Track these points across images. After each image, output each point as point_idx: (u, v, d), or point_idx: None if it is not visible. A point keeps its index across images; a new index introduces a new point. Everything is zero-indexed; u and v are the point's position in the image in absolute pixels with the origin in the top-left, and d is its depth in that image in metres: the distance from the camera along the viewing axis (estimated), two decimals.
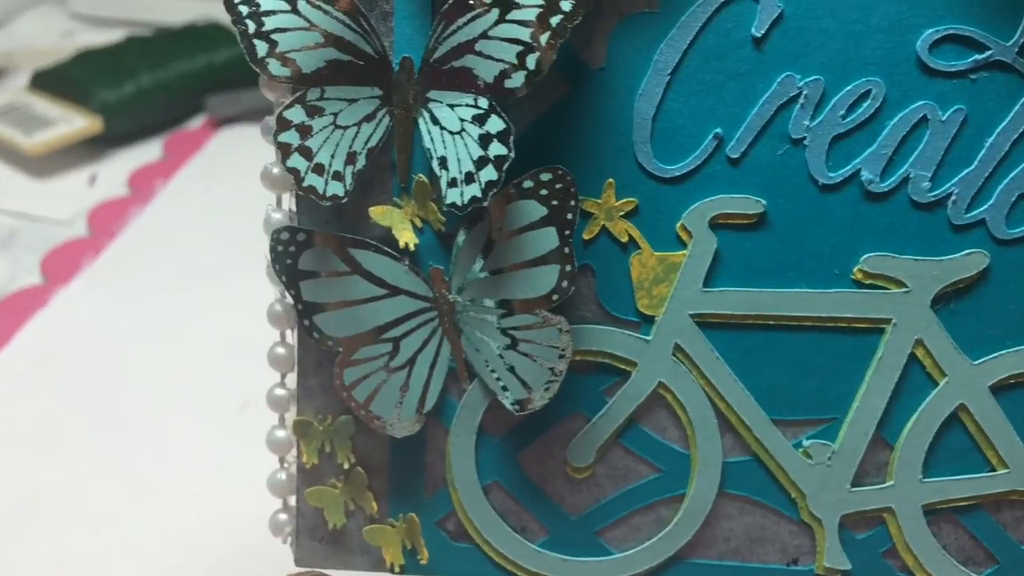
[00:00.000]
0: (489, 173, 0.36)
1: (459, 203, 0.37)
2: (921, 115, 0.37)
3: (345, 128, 0.38)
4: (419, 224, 0.39)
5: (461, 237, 0.39)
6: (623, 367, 0.40)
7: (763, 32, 0.37)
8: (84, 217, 0.83)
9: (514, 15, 0.36)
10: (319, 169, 0.37)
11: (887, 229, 0.38)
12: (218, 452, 0.62)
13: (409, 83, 0.38)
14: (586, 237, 0.39)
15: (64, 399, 0.66)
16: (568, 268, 0.38)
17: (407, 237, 0.39)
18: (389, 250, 0.39)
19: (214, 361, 0.69)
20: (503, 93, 0.37)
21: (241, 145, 0.93)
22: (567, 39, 0.36)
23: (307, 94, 0.37)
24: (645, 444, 0.40)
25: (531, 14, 0.36)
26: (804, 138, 0.38)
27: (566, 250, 0.38)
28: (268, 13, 0.37)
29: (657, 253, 0.39)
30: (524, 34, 0.36)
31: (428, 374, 0.40)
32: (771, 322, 0.39)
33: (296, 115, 0.37)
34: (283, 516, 0.42)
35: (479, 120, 0.37)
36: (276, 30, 0.37)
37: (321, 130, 0.37)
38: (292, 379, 0.42)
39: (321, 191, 0.37)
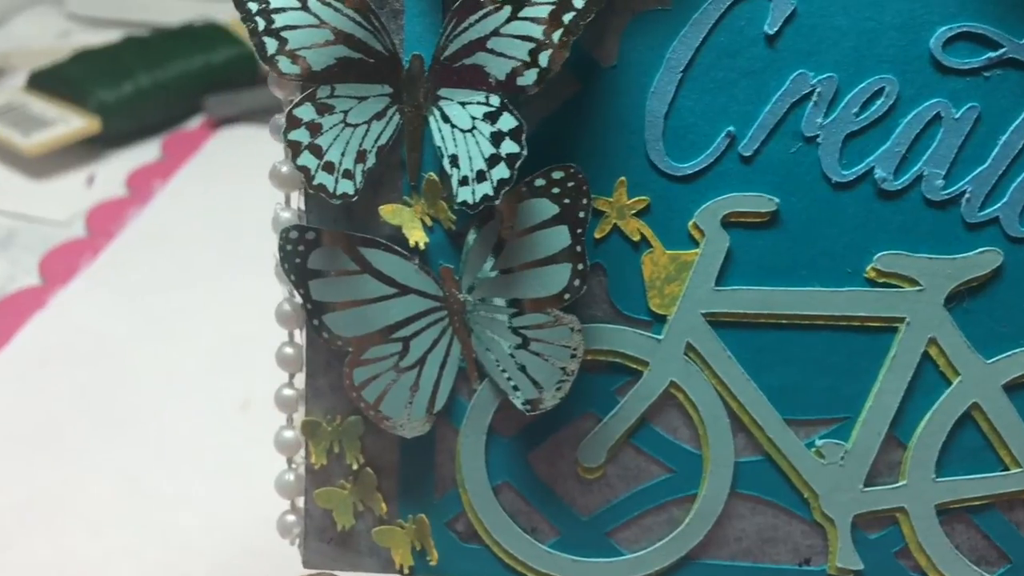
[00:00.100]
0: (501, 171, 0.36)
1: (470, 201, 0.37)
2: (935, 113, 0.37)
3: (355, 126, 0.37)
4: (429, 223, 0.39)
5: (471, 236, 0.38)
6: (634, 366, 0.39)
7: (776, 29, 0.37)
8: (82, 218, 0.83)
9: (526, 12, 0.36)
10: (329, 167, 0.37)
11: (900, 227, 0.38)
12: (218, 452, 0.62)
13: (419, 81, 0.37)
14: (597, 236, 0.39)
15: (63, 400, 0.65)
16: (580, 267, 0.37)
17: (417, 236, 0.38)
18: (399, 249, 0.38)
19: (214, 361, 0.69)
20: (514, 91, 0.36)
21: (240, 145, 0.93)
22: (579, 36, 0.36)
23: (317, 92, 0.37)
24: (657, 444, 0.40)
25: (543, 11, 0.36)
26: (817, 136, 0.37)
27: (578, 249, 0.37)
28: (278, 10, 0.36)
29: (669, 252, 0.39)
30: (536, 31, 0.36)
31: (438, 374, 0.39)
32: (784, 321, 0.39)
33: (306, 113, 0.37)
34: (291, 517, 0.42)
35: (491, 118, 0.36)
36: (286, 27, 0.37)
37: (331, 128, 0.37)
38: (300, 379, 0.41)
39: (331, 189, 0.37)
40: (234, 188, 0.86)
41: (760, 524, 0.40)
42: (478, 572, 0.41)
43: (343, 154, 0.37)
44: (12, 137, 0.86)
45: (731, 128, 0.38)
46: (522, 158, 0.36)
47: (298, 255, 0.38)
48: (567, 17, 0.35)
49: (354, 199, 0.37)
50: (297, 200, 0.40)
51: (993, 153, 0.37)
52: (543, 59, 0.36)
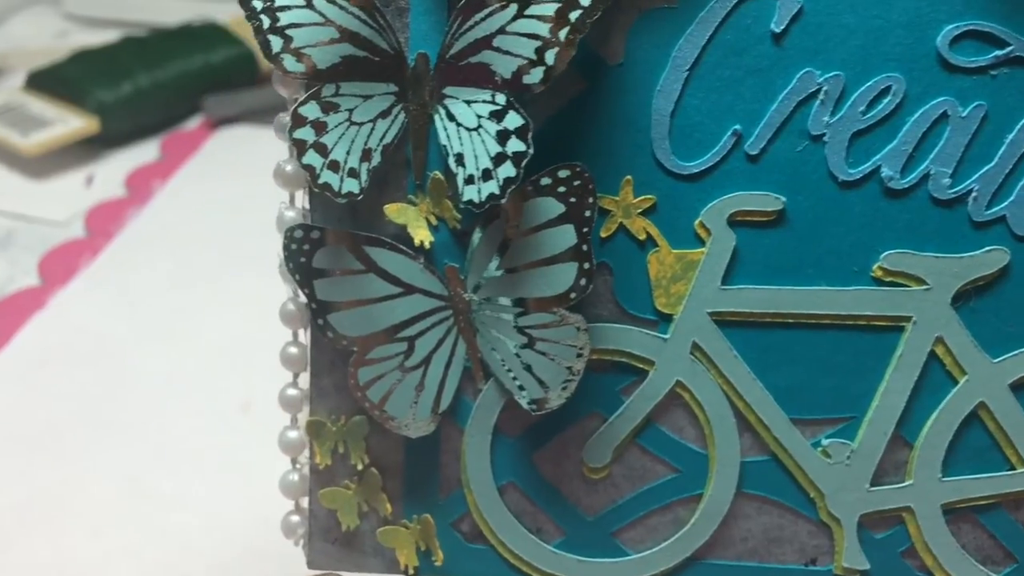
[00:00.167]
0: (507, 170, 0.36)
1: (476, 200, 0.37)
2: (941, 111, 0.37)
3: (360, 124, 0.37)
4: (434, 222, 0.38)
5: (477, 235, 0.38)
6: (640, 366, 0.39)
7: (782, 28, 0.37)
8: (81, 218, 0.83)
9: (532, 10, 0.36)
10: (334, 166, 0.37)
11: (907, 226, 0.38)
12: (219, 453, 0.61)
13: (425, 79, 0.37)
14: (603, 235, 0.38)
15: (63, 401, 0.65)
16: (586, 266, 0.37)
17: (422, 235, 0.38)
18: (404, 248, 0.38)
19: (214, 362, 0.68)
20: (520, 89, 0.36)
21: (239, 145, 0.93)
22: (585, 35, 0.35)
23: (322, 90, 0.37)
24: (662, 444, 0.40)
25: (550, 9, 0.35)
26: (824, 134, 0.37)
27: (584, 248, 0.37)
28: (283, 8, 0.36)
29: (675, 251, 0.38)
30: (543, 29, 0.36)
31: (443, 374, 0.39)
32: (790, 320, 0.39)
33: (311, 111, 0.37)
34: (295, 518, 0.42)
35: (497, 116, 0.36)
36: (291, 25, 0.36)
37: (336, 126, 0.37)
38: (304, 379, 0.41)
39: (336, 188, 0.37)
40: (233, 188, 0.86)
41: (766, 524, 0.40)
42: (483, 572, 0.41)
43: (348, 153, 0.37)
44: (11, 137, 0.86)
45: (737, 127, 0.37)
46: (528, 157, 0.36)
47: (303, 254, 0.38)
48: (574, 15, 0.35)
49: (359, 198, 0.37)
50: (302, 199, 0.40)
51: (1000, 151, 0.37)
52: (549, 57, 0.36)
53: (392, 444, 0.41)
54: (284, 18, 0.36)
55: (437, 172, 0.38)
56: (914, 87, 0.37)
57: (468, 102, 0.37)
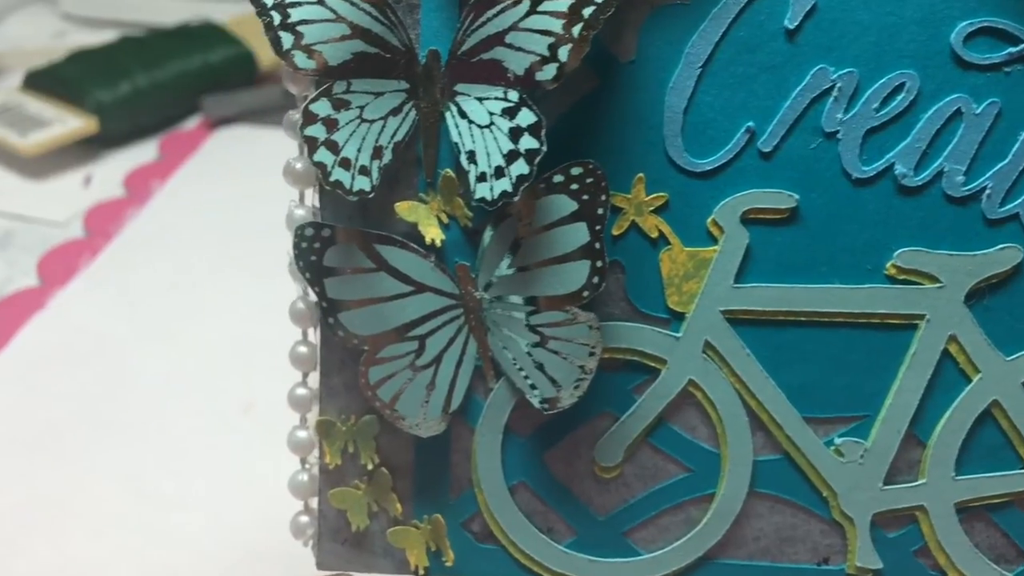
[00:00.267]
0: (520, 167, 0.36)
1: (488, 198, 0.36)
2: (955, 108, 0.37)
3: (371, 122, 0.37)
4: (445, 220, 0.38)
5: (488, 233, 0.38)
6: (652, 365, 0.39)
7: (796, 24, 0.37)
8: (80, 218, 0.82)
9: (545, 6, 0.35)
10: (346, 163, 0.37)
11: (920, 224, 0.37)
12: (220, 453, 0.61)
13: (436, 76, 0.37)
14: (615, 233, 0.38)
15: (63, 401, 0.65)
16: (599, 264, 0.37)
17: (433, 233, 0.38)
18: (415, 246, 0.38)
19: (215, 362, 0.68)
20: (532, 86, 0.36)
21: (238, 145, 0.92)
22: (597, 31, 0.35)
23: (333, 87, 0.37)
24: (674, 443, 0.40)
25: (563, 5, 0.35)
26: (837, 131, 0.37)
27: (597, 246, 0.37)
28: (294, 4, 0.36)
29: (688, 249, 0.38)
30: (556, 25, 0.35)
31: (454, 373, 0.39)
32: (803, 318, 0.38)
33: (322, 108, 0.36)
34: (304, 518, 0.42)
35: (509, 113, 0.36)
36: (302, 22, 0.36)
37: (347, 124, 0.37)
38: (314, 378, 0.41)
39: (348, 186, 0.37)
40: (232, 188, 0.86)
41: (778, 523, 0.40)
42: (494, 573, 0.41)
43: (359, 150, 0.37)
44: (8, 137, 0.85)
45: (751, 124, 0.37)
46: (541, 154, 0.36)
47: (313, 252, 0.38)
48: (587, 11, 0.35)
49: (371, 196, 0.37)
50: (312, 197, 0.39)
51: (1014, 149, 0.37)
52: (562, 54, 0.35)
53: (402, 444, 0.40)
54: (295, 14, 0.36)
55: (448, 170, 0.38)
56: (928, 84, 0.37)
57: (480, 99, 0.37)
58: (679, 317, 0.39)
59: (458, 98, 0.37)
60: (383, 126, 0.37)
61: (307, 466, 0.41)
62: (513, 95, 0.36)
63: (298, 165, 0.39)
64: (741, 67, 0.37)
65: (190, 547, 0.55)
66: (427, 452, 0.40)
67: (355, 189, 0.37)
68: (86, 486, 0.59)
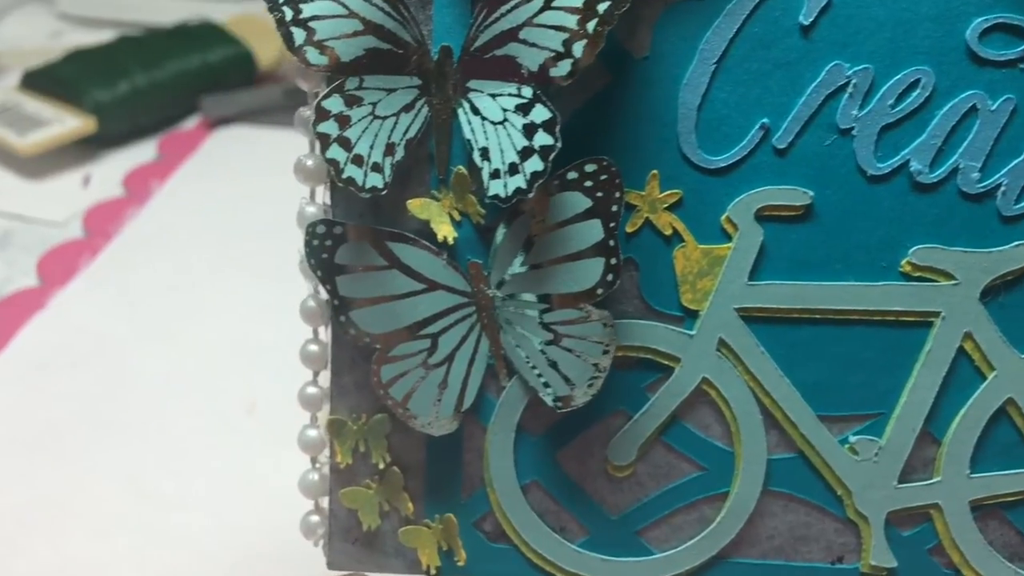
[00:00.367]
0: (534, 164, 0.36)
1: (502, 195, 0.36)
2: (971, 105, 0.37)
3: (384, 118, 0.37)
4: (457, 217, 0.38)
5: (501, 231, 0.38)
6: (666, 363, 0.39)
7: (811, 20, 0.36)
8: (80, 218, 0.82)
9: (560, 2, 0.35)
10: (358, 160, 0.36)
11: (936, 220, 0.37)
12: (221, 453, 0.61)
13: (448, 73, 0.37)
14: (629, 230, 0.38)
15: (63, 402, 0.65)
16: (613, 261, 0.37)
17: (445, 231, 0.38)
18: (427, 244, 0.38)
19: (217, 363, 0.68)
20: (546, 82, 0.36)
21: (237, 145, 0.92)
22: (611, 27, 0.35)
23: (345, 83, 0.36)
24: (688, 441, 0.40)
25: (577, 0, 0.35)
26: (852, 128, 0.37)
27: (611, 243, 0.37)
28: (305, 0, 0.36)
29: (702, 246, 0.38)
30: (570, 21, 0.35)
31: (466, 371, 0.39)
32: (817, 316, 0.38)
33: (334, 105, 0.36)
34: (315, 518, 0.41)
35: (523, 110, 0.36)
36: (314, 17, 0.36)
37: (360, 120, 0.36)
38: (324, 377, 0.41)
39: (360, 183, 0.36)
40: (232, 188, 0.85)
41: (792, 522, 0.40)
42: (506, 572, 0.41)
43: (372, 147, 0.36)
44: (7, 137, 0.85)
45: (765, 120, 0.37)
46: (556, 150, 0.35)
47: (325, 250, 0.38)
48: (602, 7, 0.35)
49: (383, 192, 0.37)
50: (322, 195, 0.39)
51: None
52: (577, 49, 0.35)
53: (414, 443, 0.40)
54: (307, 10, 0.36)
55: (460, 167, 0.37)
56: (943, 80, 0.37)
57: (493, 95, 0.36)
58: (693, 315, 0.39)
59: (471, 95, 0.37)
60: (395, 123, 0.37)
61: (318, 465, 0.41)
62: (527, 91, 0.36)
63: (309, 162, 0.38)
64: (756, 63, 0.37)
65: (191, 547, 0.55)
66: (439, 451, 0.40)
67: (368, 186, 0.36)
68: (86, 486, 0.59)
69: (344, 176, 0.36)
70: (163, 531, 0.56)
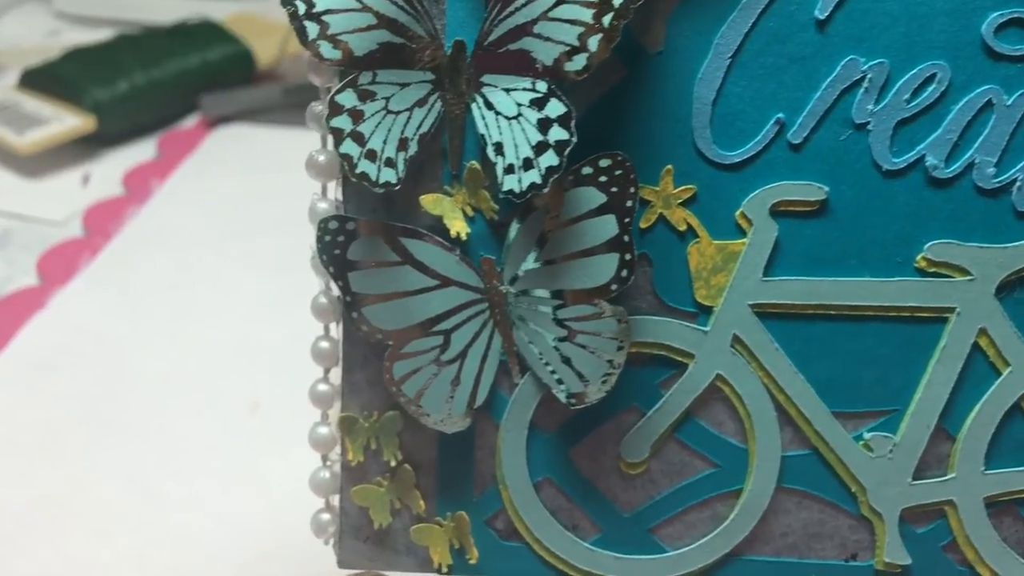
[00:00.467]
0: (549, 159, 0.35)
1: (517, 190, 0.36)
2: (986, 99, 0.36)
3: (397, 113, 0.36)
4: (470, 213, 0.38)
5: (514, 227, 0.37)
6: (680, 359, 0.39)
7: (826, 14, 0.36)
8: (79, 217, 0.81)
9: None
10: (372, 155, 0.36)
11: (951, 216, 0.37)
12: (223, 453, 0.61)
13: (462, 67, 0.36)
14: (643, 225, 0.38)
15: (64, 402, 0.64)
16: (628, 257, 0.37)
17: (458, 226, 0.37)
18: (440, 239, 0.38)
19: (219, 362, 0.68)
20: (560, 77, 0.36)
21: (236, 144, 0.92)
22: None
23: (359, 78, 0.36)
24: (701, 438, 0.39)
25: None
26: (868, 123, 0.37)
27: (626, 238, 0.37)
28: None
29: (716, 242, 0.38)
30: (586, 15, 0.35)
31: (479, 368, 0.38)
32: (832, 312, 0.38)
33: (348, 99, 0.36)
34: (326, 516, 0.41)
35: (537, 104, 0.36)
36: (327, 11, 0.36)
37: (373, 115, 0.36)
38: (335, 374, 0.40)
39: (374, 178, 0.36)
40: (232, 186, 0.85)
41: (806, 519, 0.40)
42: (518, 570, 0.40)
43: (385, 142, 0.36)
44: (6, 136, 0.85)
45: (780, 115, 0.37)
46: (571, 145, 0.35)
47: (337, 246, 0.37)
48: (617, 0, 0.35)
49: (396, 188, 0.36)
50: (334, 190, 0.39)
51: None
52: (592, 44, 0.35)
53: (426, 440, 0.40)
54: (320, 4, 0.35)
55: (474, 162, 0.37)
56: (959, 75, 0.36)
57: (507, 90, 0.36)
58: (707, 311, 0.38)
59: (484, 89, 0.36)
60: (408, 117, 0.36)
61: (328, 463, 0.41)
62: (542, 85, 0.36)
63: (321, 158, 0.38)
64: (771, 58, 0.37)
65: (192, 547, 0.55)
66: (451, 448, 0.40)
67: (381, 181, 0.36)
68: (87, 486, 0.58)
69: (358, 171, 0.36)
70: (164, 531, 0.56)
